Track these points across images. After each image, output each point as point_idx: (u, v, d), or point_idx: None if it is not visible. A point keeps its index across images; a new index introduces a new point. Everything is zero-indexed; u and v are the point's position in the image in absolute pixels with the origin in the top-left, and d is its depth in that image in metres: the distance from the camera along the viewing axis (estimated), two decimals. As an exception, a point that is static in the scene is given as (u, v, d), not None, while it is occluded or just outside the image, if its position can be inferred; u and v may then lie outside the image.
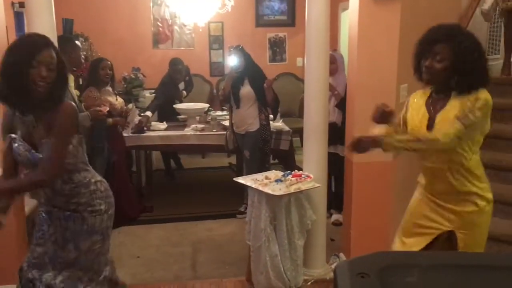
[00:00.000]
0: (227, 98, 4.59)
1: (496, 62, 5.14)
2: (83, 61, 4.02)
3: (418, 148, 2.19)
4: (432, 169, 2.28)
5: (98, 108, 3.93)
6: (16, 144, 2.15)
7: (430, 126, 2.23)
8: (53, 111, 2.12)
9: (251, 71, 4.45)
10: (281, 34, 7.46)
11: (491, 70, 2.25)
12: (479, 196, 2.24)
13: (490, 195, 2.28)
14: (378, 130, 2.33)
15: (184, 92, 5.85)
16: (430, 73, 2.19)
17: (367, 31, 3.26)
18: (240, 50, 4.46)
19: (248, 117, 4.46)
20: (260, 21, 7.38)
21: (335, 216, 4.49)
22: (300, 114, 4.20)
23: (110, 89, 4.42)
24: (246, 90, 4.41)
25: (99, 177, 2.38)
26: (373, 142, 2.20)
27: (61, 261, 2.29)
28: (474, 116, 2.09)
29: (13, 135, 2.17)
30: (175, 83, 5.64)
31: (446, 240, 2.33)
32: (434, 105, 2.26)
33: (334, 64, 4.22)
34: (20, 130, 2.18)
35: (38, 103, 2.12)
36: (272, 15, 7.39)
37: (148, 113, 5.09)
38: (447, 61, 2.13)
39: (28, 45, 2.10)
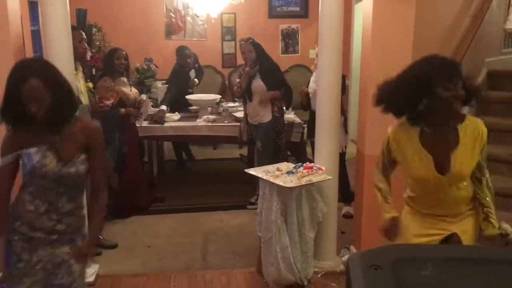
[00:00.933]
0: (243, 94, 4.59)
1: (512, 56, 5.05)
2: (85, 51, 3.84)
3: None
4: (451, 195, 2.14)
5: (99, 101, 3.83)
6: (35, 157, 2.01)
7: (439, 168, 2.08)
8: (78, 127, 2.08)
9: (262, 65, 4.43)
10: (293, 26, 7.42)
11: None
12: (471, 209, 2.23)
13: None
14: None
15: (196, 80, 5.82)
16: (459, 102, 2.04)
17: (381, 23, 3.22)
18: (251, 43, 4.43)
19: (260, 109, 4.45)
20: (273, 13, 7.35)
21: (346, 209, 4.49)
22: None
23: (125, 79, 4.41)
24: (258, 83, 4.40)
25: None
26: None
27: None
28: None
29: (24, 150, 2.03)
30: (185, 70, 5.59)
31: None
32: (434, 143, 2.10)
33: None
34: (44, 145, 2.04)
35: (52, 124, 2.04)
36: (285, 6, 7.36)
37: (163, 107, 5.05)
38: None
39: (12, 78, 1.98)
